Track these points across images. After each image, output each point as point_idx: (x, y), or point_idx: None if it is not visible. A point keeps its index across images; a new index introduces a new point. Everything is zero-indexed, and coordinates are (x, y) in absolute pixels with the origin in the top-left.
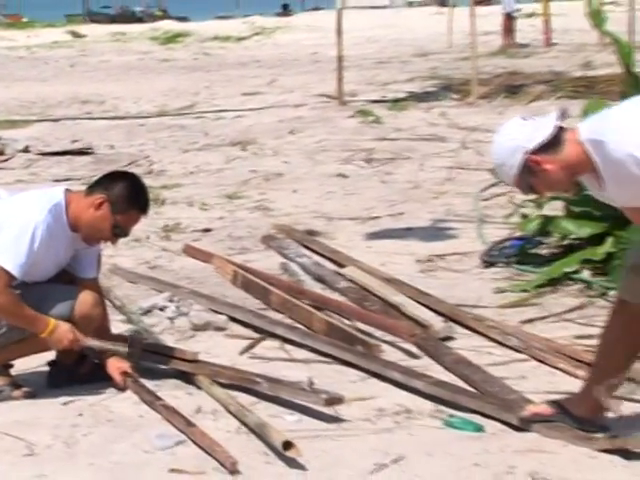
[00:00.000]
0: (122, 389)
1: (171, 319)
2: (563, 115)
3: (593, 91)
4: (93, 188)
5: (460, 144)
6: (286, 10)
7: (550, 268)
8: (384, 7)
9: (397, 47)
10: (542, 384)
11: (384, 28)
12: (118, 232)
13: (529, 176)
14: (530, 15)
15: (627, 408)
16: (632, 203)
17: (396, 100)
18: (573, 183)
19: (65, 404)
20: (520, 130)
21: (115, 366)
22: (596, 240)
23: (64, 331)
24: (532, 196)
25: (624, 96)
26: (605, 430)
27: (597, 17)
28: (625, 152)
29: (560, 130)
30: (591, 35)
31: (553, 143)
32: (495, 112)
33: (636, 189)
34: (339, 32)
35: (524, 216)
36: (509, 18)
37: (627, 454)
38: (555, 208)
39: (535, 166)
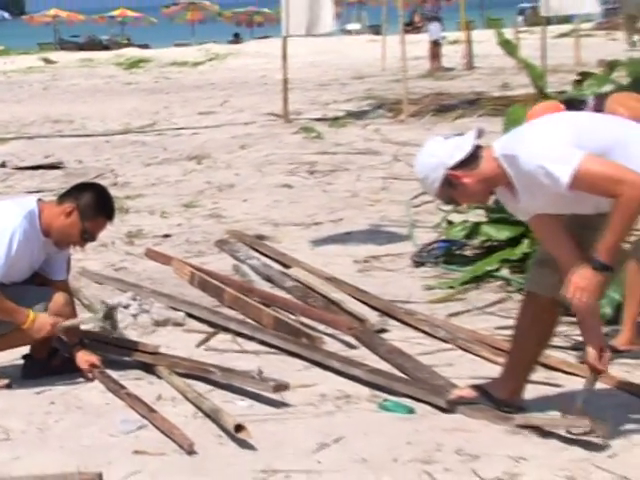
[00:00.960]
0: (90, 379)
1: (134, 316)
2: (479, 134)
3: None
4: (64, 198)
5: (393, 157)
6: (237, 38)
7: (473, 267)
8: (324, 35)
9: (336, 71)
10: (466, 370)
11: (325, 54)
12: (86, 237)
13: (450, 189)
14: (454, 42)
15: (540, 391)
16: (543, 211)
17: (336, 118)
18: (488, 195)
19: (38, 393)
20: (441, 148)
21: (83, 359)
22: (513, 242)
23: (44, 320)
24: (453, 206)
25: None
26: (521, 410)
27: (508, 46)
28: (535, 164)
29: (477, 148)
30: (508, 59)
31: (471, 159)
32: (424, 128)
33: (547, 198)
34: (284, 57)
35: (450, 222)
36: (435, 45)
37: (541, 432)
38: (478, 214)
39: (455, 180)
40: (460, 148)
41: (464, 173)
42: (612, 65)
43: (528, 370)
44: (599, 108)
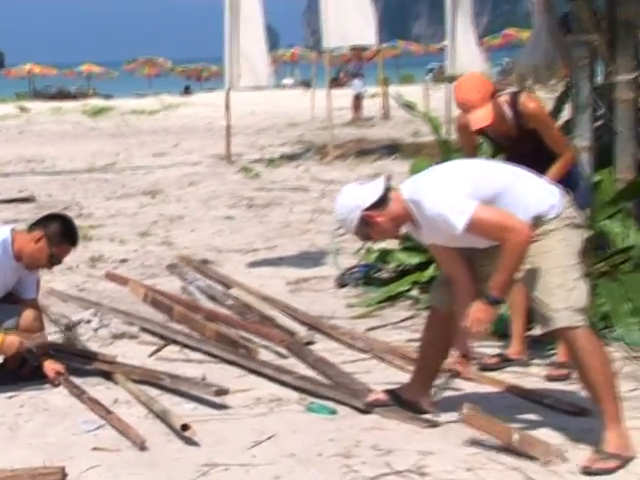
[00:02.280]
0: (55, 385)
1: (95, 330)
2: (388, 180)
3: (420, 153)
4: (34, 226)
5: (320, 193)
6: (188, 90)
7: (388, 288)
8: (262, 88)
9: (273, 119)
10: (381, 377)
11: (263, 104)
12: (53, 261)
13: (365, 227)
14: (373, 95)
15: (443, 394)
16: (442, 244)
17: (272, 159)
18: (398, 231)
19: (10, 398)
20: (357, 193)
21: (50, 367)
22: (422, 267)
23: (12, 339)
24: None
25: (442, 157)
26: (427, 412)
27: (408, 107)
28: (436, 211)
29: (387, 190)
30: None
31: (382, 201)
32: (347, 169)
33: (444, 237)
34: (227, 107)
35: (368, 249)
36: (357, 97)
37: (444, 430)
38: (392, 242)
39: (370, 220)
40: (373, 192)
41: (377, 213)
42: None
43: (433, 376)
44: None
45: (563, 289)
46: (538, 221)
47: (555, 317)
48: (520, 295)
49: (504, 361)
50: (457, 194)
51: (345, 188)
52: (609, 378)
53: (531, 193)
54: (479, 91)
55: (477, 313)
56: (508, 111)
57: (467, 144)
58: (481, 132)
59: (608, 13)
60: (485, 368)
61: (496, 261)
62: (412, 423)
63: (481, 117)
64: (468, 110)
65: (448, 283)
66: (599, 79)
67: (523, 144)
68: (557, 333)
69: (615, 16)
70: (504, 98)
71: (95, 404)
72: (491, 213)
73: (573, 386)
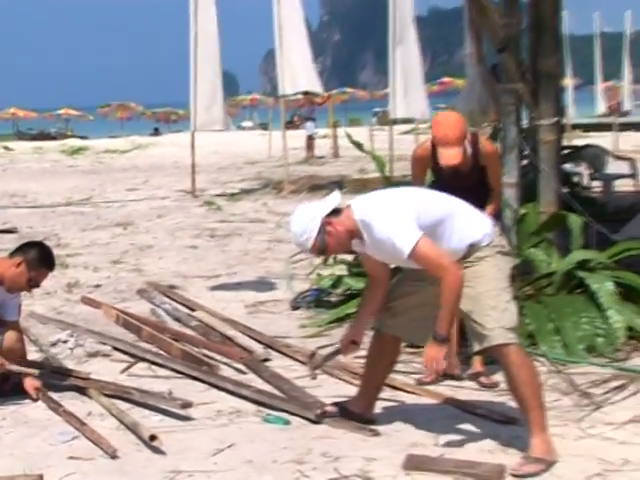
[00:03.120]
0: (35, 400)
1: (71, 349)
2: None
3: (366, 188)
4: (14, 253)
5: (276, 225)
6: (156, 132)
7: (337, 310)
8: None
9: (233, 158)
10: (331, 391)
11: (224, 145)
12: (32, 284)
13: (324, 235)
14: (324, 136)
15: (387, 406)
16: (385, 262)
17: (232, 194)
18: (350, 244)
19: None
20: (314, 205)
21: (30, 384)
22: None
23: None
24: (324, 258)
25: None
26: (372, 422)
27: (357, 145)
28: (385, 235)
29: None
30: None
31: (338, 211)
32: (301, 202)
33: (389, 257)
34: (192, 147)
35: (319, 274)
36: (310, 138)
37: (387, 438)
38: (341, 269)
39: (329, 227)
40: (330, 202)
41: (337, 220)
42: None
43: (377, 390)
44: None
45: (496, 310)
46: (473, 248)
47: (489, 335)
48: None
49: (441, 376)
50: (405, 220)
51: (299, 207)
52: (536, 390)
53: (467, 222)
54: (460, 130)
55: (432, 353)
56: (469, 148)
57: (419, 175)
58: (449, 167)
59: (532, 65)
60: (422, 383)
61: (431, 284)
62: (358, 432)
63: (455, 155)
64: (444, 145)
65: (390, 309)
66: (525, 123)
67: (469, 179)
68: (491, 350)
69: (538, 68)
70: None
71: (71, 417)
72: (430, 249)
73: (502, 397)
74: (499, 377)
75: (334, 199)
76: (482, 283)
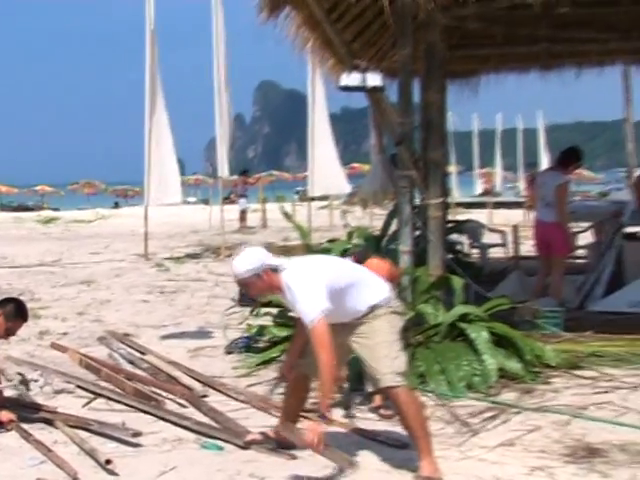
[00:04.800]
0: (8, 430)
1: (41, 387)
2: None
3: (290, 253)
4: None
5: (214, 283)
6: (117, 205)
7: (264, 354)
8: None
9: (180, 227)
10: (258, 422)
11: (173, 216)
12: (9, 333)
13: (256, 278)
14: (255, 210)
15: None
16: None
17: (178, 257)
18: (270, 293)
19: None
20: (265, 253)
21: (5, 416)
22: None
23: None
24: (252, 308)
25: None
26: (292, 447)
27: (286, 216)
28: (296, 300)
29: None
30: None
31: (276, 270)
32: None
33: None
34: (146, 218)
35: (249, 324)
36: (243, 212)
37: (303, 460)
38: (266, 320)
39: (263, 276)
40: (277, 260)
41: (272, 274)
42: (349, 234)
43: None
44: (359, 259)
45: (388, 358)
46: (373, 308)
47: (382, 379)
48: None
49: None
50: (315, 290)
51: (255, 248)
52: (422, 422)
53: (370, 288)
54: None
55: (312, 432)
56: None
57: None
58: None
59: (423, 156)
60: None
61: (335, 332)
62: (280, 456)
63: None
64: None
65: (303, 355)
66: (417, 202)
67: None
68: (384, 390)
69: (427, 158)
70: None
71: (39, 444)
72: (324, 331)
73: (397, 427)
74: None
75: (280, 261)
76: (378, 336)
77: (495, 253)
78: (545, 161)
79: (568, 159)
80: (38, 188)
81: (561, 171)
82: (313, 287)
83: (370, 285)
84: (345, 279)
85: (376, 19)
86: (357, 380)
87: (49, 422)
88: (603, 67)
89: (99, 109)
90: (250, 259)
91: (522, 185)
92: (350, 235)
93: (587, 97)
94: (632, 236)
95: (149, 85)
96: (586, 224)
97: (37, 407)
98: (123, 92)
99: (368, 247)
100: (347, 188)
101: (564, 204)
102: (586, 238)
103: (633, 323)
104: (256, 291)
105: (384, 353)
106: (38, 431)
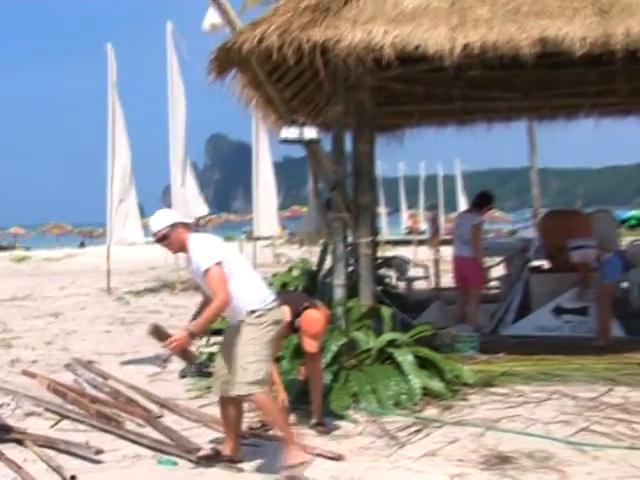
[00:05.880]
0: None
1: (12, 410)
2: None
3: None
4: None
5: (170, 314)
6: (83, 245)
7: (213, 378)
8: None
9: (139, 264)
10: (208, 439)
11: (133, 254)
12: None
13: (172, 230)
14: None
15: (250, 449)
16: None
17: (137, 291)
18: (181, 251)
19: None
20: (177, 213)
21: None
22: None
23: None
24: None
25: None
26: (239, 461)
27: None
28: (195, 252)
29: None
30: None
31: (187, 226)
32: (188, 298)
33: (197, 274)
34: (108, 257)
35: (201, 352)
36: None
37: (250, 474)
38: (215, 348)
39: (176, 230)
40: (188, 219)
41: (182, 229)
42: (290, 268)
43: (237, 437)
44: (296, 309)
45: (242, 368)
46: (249, 313)
47: (235, 387)
48: (315, 373)
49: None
50: (212, 250)
51: (169, 209)
52: (282, 420)
53: (253, 286)
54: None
55: (177, 336)
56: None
57: None
58: None
59: (354, 199)
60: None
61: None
62: (229, 470)
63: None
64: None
65: (216, 375)
66: (349, 240)
67: None
68: (242, 397)
69: (358, 202)
70: None
71: (10, 462)
72: (220, 275)
73: (334, 440)
74: (332, 426)
75: (190, 219)
76: (238, 346)
77: (419, 285)
78: (462, 203)
79: (482, 202)
80: (12, 230)
81: (476, 212)
82: (211, 246)
83: (255, 284)
84: (237, 263)
85: (312, 80)
86: (298, 400)
87: (20, 442)
88: (510, 121)
89: (66, 158)
90: (166, 215)
91: (424, 225)
92: (290, 269)
93: (498, 147)
94: (537, 269)
95: (111, 141)
96: (498, 259)
97: (8, 428)
98: (90, 143)
99: (300, 294)
100: (277, 230)
101: (479, 241)
102: (498, 271)
103: (539, 345)
104: (173, 246)
105: (239, 364)
106: (10, 450)
